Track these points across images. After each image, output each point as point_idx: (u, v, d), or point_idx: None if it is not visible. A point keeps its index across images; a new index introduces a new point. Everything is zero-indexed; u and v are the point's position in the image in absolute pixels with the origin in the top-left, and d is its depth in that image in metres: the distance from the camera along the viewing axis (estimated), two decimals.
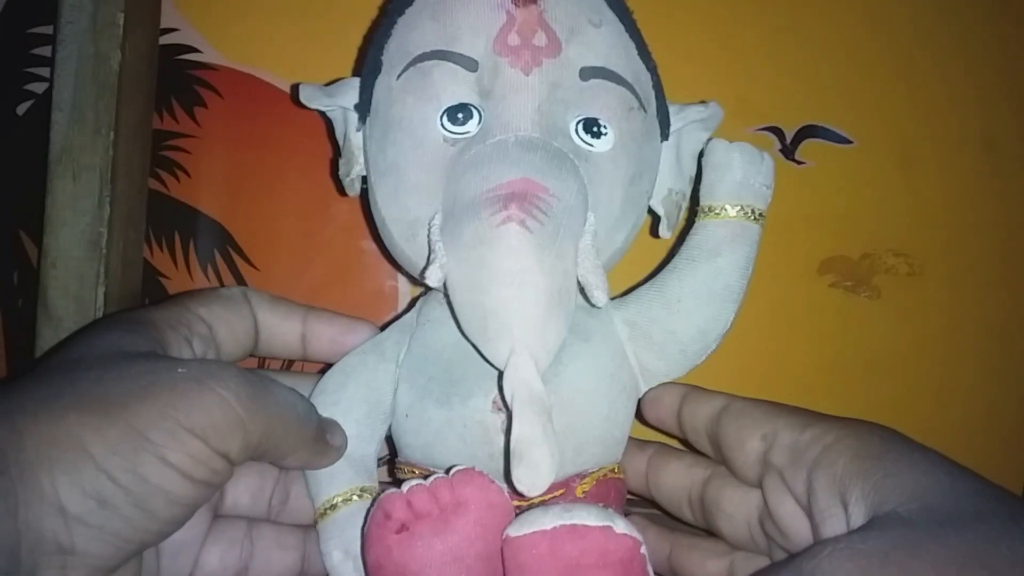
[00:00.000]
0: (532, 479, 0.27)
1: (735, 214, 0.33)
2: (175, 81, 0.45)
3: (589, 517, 0.28)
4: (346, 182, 0.36)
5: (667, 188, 0.35)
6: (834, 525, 0.27)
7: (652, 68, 0.34)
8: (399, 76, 0.32)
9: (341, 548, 0.32)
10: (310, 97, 0.34)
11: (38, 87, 0.46)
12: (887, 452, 0.27)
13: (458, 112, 0.31)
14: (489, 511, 0.29)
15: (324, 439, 0.31)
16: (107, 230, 0.40)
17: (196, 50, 0.46)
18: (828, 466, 0.28)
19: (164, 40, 0.45)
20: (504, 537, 0.28)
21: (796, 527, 0.30)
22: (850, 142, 0.46)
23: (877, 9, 0.46)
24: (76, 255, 0.40)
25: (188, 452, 0.26)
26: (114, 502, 0.25)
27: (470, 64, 0.31)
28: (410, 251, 0.33)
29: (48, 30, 0.44)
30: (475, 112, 0.31)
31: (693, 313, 0.33)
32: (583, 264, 0.29)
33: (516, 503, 0.30)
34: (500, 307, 0.27)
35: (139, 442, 0.25)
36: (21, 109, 0.47)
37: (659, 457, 0.36)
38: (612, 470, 0.34)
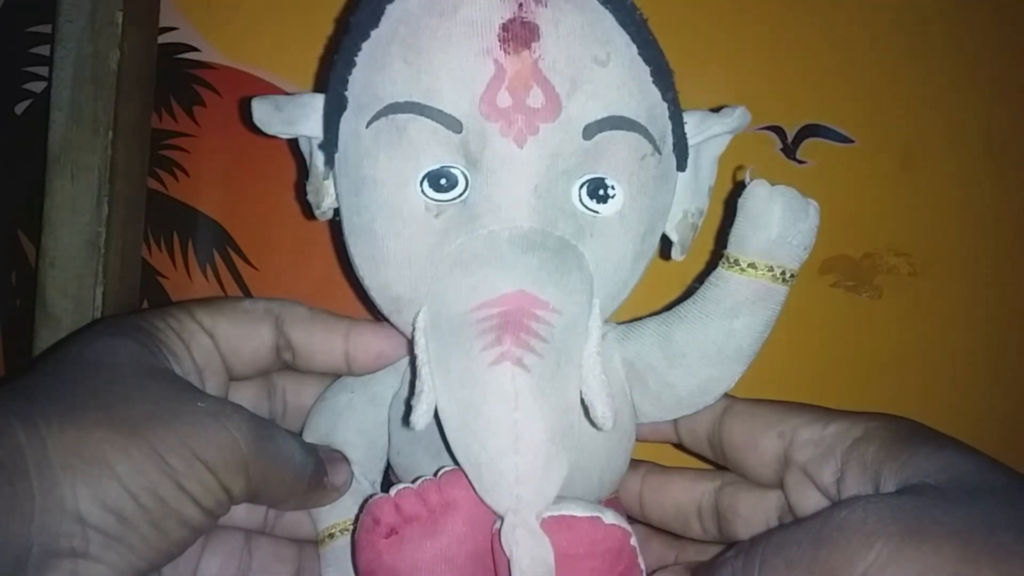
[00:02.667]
0: None
1: (763, 275, 0.29)
2: (174, 80, 0.45)
3: (577, 508, 0.27)
4: (317, 213, 0.32)
5: (682, 211, 0.32)
6: None
7: (670, 96, 0.29)
8: (368, 124, 0.28)
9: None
10: (265, 121, 0.30)
11: (36, 86, 0.46)
12: (915, 437, 0.27)
13: (441, 178, 0.27)
14: (478, 510, 0.28)
15: (320, 486, 0.31)
16: (105, 230, 0.40)
17: (195, 49, 0.45)
18: (859, 456, 0.28)
19: (163, 39, 0.45)
20: (493, 530, 0.28)
21: None
22: (852, 141, 0.46)
23: (878, 8, 0.46)
24: (74, 255, 0.40)
25: (201, 481, 0.27)
26: (133, 519, 0.26)
27: (453, 124, 0.26)
28: (396, 322, 0.30)
29: (47, 29, 0.44)
30: (461, 177, 0.27)
31: (696, 371, 0.30)
32: (587, 382, 0.27)
33: None
34: (494, 461, 0.25)
35: (160, 466, 0.26)
36: (19, 108, 0.47)
37: (656, 476, 0.36)
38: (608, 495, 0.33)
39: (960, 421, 0.46)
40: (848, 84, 0.46)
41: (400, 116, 0.27)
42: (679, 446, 0.36)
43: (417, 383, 0.27)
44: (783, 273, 0.29)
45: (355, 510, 0.32)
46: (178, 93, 0.45)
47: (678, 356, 0.30)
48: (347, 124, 0.29)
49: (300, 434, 0.35)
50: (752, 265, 0.29)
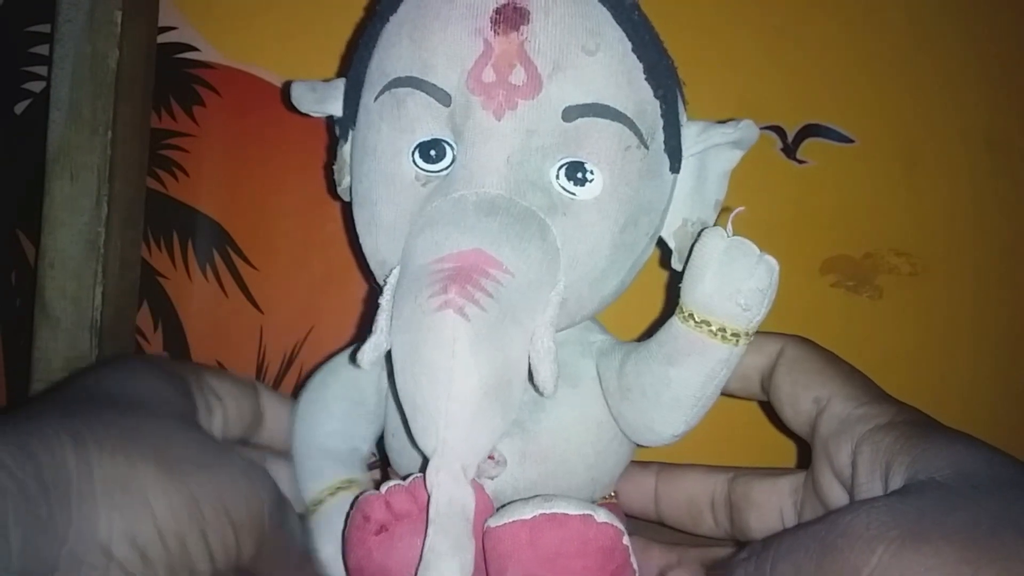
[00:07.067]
0: None
1: (700, 329, 0.28)
2: (173, 80, 0.45)
3: (569, 507, 0.27)
4: (340, 190, 0.34)
5: (682, 219, 0.32)
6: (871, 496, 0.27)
7: (663, 93, 0.30)
8: (376, 98, 0.30)
9: (333, 542, 0.31)
10: (300, 99, 0.33)
11: (36, 86, 0.46)
12: (931, 432, 0.27)
13: (431, 149, 0.29)
14: None
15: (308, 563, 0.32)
16: (105, 230, 0.40)
17: (194, 48, 0.45)
18: (874, 444, 0.28)
19: (162, 38, 0.45)
20: (484, 528, 0.28)
21: (834, 497, 0.30)
22: (852, 141, 0.46)
23: (879, 7, 0.46)
24: (74, 255, 0.40)
25: (222, 537, 0.27)
26: (155, 560, 0.25)
27: (443, 98, 0.28)
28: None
29: (46, 28, 0.44)
30: (448, 149, 0.29)
31: (640, 409, 0.30)
32: (536, 347, 0.27)
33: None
34: (427, 403, 0.26)
35: (194, 513, 0.26)
36: (19, 108, 0.47)
37: (670, 472, 0.36)
38: (602, 497, 0.33)
39: (961, 421, 0.46)
40: (848, 84, 0.46)
41: (400, 90, 0.29)
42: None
43: (373, 327, 0.28)
44: (722, 330, 0.28)
45: (340, 471, 0.33)
46: (177, 93, 0.45)
47: (625, 389, 0.30)
48: (363, 99, 0.31)
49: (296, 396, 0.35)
50: (691, 316, 0.28)
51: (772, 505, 0.33)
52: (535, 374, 0.27)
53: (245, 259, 0.46)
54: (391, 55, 0.30)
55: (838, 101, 0.46)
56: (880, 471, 0.27)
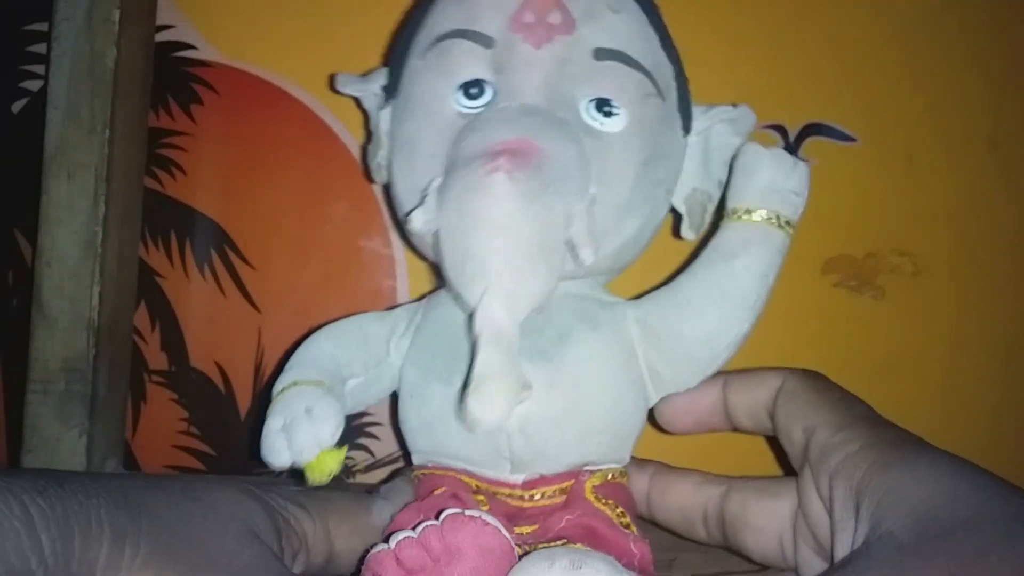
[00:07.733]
0: (482, 411, 0.26)
1: (758, 218, 0.32)
2: (171, 78, 0.45)
3: (600, 572, 0.25)
4: (373, 166, 0.36)
5: (691, 187, 0.34)
6: (844, 539, 0.27)
7: (675, 61, 0.34)
8: (422, 57, 0.33)
9: (283, 418, 0.31)
10: (345, 83, 0.36)
11: (33, 85, 0.46)
12: (897, 463, 0.27)
13: (472, 87, 0.32)
14: (486, 557, 0.26)
15: None
16: (102, 229, 0.40)
17: (192, 47, 0.45)
18: (847, 476, 0.28)
19: (160, 37, 0.45)
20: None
21: (823, 529, 0.30)
22: (854, 140, 0.46)
23: (881, 6, 0.46)
24: (71, 254, 0.40)
25: None
26: None
27: (487, 41, 0.32)
28: None
29: (43, 27, 0.44)
30: (488, 88, 0.32)
31: (702, 316, 0.32)
32: (575, 225, 0.29)
33: (519, 542, 0.28)
34: (478, 249, 0.28)
35: None
36: (16, 107, 0.46)
37: (662, 476, 0.35)
38: (620, 473, 0.33)
39: (964, 422, 0.46)
40: (850, 82, 0.45)
41: (446, 42, 0.33)
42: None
43: (423, 202, 0.30)
44: (778, 217, 0.32)
45: (316, 376, 0.32)
46: (175, 91, 0.45)
47: (684, 303, 0.33)
48: (408, 65, 0.34)
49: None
50: (748, 211, 0.32)
51: (771, 530, 0.32)
52: (577, 248, 0.29)
53: (243, 259, 0.45)
54: (439, 20, 0.33)
55: (840, 100, 0.45)
56: (852, 509, 0.27)
